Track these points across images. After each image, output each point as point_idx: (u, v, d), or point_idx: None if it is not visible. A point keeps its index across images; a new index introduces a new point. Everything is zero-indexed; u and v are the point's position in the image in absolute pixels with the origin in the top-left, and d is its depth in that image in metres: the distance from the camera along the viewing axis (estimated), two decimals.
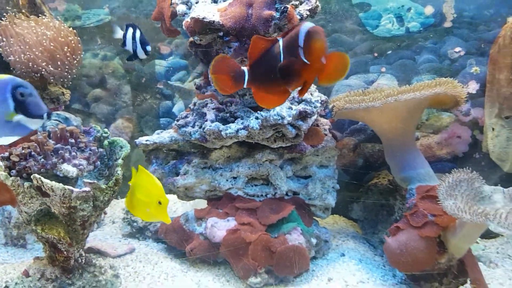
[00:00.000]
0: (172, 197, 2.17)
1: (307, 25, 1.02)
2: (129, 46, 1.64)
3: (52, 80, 1.60)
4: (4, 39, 1.53)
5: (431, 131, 1.98)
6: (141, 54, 1.64)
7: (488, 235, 1.91)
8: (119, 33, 1.65)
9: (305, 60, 1.02)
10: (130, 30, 1.62)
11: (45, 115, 1.14)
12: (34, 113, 1.13)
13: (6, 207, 1.65)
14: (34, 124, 1.15)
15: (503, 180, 1.88)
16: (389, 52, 1.99)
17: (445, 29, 1.93)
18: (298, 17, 1.52)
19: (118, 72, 2.08)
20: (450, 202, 1.34)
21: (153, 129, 2.12)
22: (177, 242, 1.66)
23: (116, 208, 2.04)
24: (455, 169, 1.41)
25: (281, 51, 1.06)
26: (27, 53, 1.46)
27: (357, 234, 1.95)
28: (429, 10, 1.92)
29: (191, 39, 1.64)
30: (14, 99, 1.11)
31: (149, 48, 1.66)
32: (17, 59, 1.49)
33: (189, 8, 1.55)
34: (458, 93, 1.56)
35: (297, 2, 1.54)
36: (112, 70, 2.07)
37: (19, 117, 1.12)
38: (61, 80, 1.59)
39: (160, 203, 1.19)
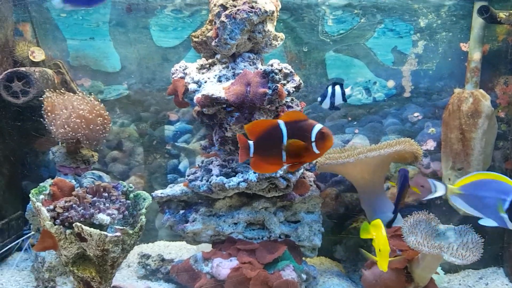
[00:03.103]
0: (179, 244, 2.45)
1: (318, 126, 1.36)
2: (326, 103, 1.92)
3: (85, 144, 1.95)
4: (49, 114, 1.89)
5: None
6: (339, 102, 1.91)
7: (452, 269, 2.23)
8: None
9: (316, 151, 1.35)
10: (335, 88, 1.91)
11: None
12: None
13: (41, 253, 1.91)
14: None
15: (461, 221, 2.21)
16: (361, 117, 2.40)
17: (405, 98, 2.36)
18: (286, 92, 1.91)
19: (133, 136, 2.44)
20: (412, 238, 1.67)
21: (162, 184, 2.44)
22: (187, 281, 1.92)
23: (131, 253, 2.29)
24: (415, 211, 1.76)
25: (284, 134, 1.37)
26: (71, 123, 1.81)
27: (341, 273, 2.23)
28: (391, 83, 2.36)
29: (197, 108, 2.01)
30: None
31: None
32: (60, 130, 1.85)
33: (199, 86, 1.93)
34: (414, 149, 1.94)
35: (285, 82, 1.94)
36: (128, 135, 2.43)
37: (503, 215, 1.43)
38: (94, 144, 1.93)
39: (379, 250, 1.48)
